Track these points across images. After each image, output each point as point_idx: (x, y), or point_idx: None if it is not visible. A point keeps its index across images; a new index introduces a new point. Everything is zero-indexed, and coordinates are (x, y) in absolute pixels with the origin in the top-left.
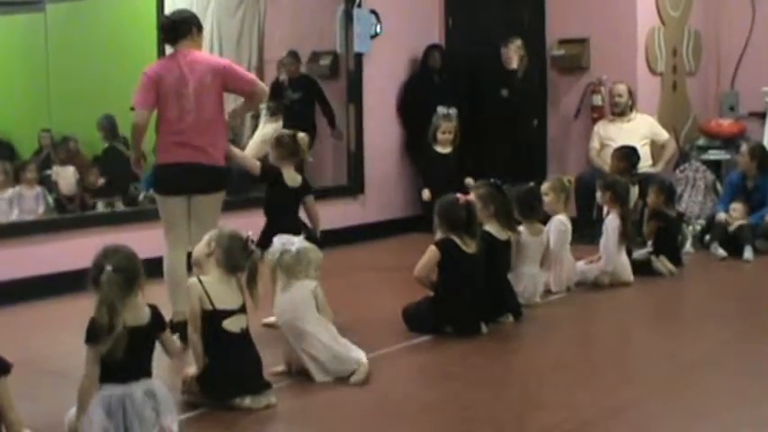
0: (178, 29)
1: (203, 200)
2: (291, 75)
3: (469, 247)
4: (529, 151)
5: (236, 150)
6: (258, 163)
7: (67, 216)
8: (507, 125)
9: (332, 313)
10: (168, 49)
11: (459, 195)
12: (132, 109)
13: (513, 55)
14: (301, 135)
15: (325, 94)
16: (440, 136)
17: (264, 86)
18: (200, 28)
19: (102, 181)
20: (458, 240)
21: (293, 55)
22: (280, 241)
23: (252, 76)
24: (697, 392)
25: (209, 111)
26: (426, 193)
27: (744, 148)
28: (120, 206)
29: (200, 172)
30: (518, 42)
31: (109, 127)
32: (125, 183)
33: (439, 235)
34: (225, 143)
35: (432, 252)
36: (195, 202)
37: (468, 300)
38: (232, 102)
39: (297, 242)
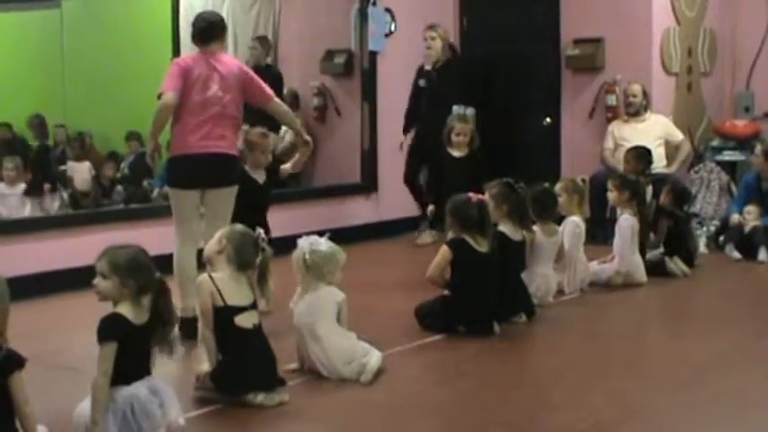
0: (212, 30)
1: (218, 193)
2: (256, 62)
3: (482, 246)
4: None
5: None
6: None
7: (81, 212)
8: (423, 118)
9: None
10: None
11: (471, 194)
12: (159, 97)
13: (431, 39)
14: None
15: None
16: (454, 138)
17: (283, 105)
18: (226, 30)
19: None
20: (470, 240)
21: (259, 40)
22: (307, 241)
23: (270, 91)
24: (710, 393)
25: (231, 109)
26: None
27: (758, 149)
28: (46, 209)
29: (216, 162)
30: (440, 30)
31: (39, 126)
32: (53, 183)
33: (451, 234)
34: (236, 146)
35: (444, 252)
36: (210, 196)
37: (480, 299)
38: None
39: (323, 242)
